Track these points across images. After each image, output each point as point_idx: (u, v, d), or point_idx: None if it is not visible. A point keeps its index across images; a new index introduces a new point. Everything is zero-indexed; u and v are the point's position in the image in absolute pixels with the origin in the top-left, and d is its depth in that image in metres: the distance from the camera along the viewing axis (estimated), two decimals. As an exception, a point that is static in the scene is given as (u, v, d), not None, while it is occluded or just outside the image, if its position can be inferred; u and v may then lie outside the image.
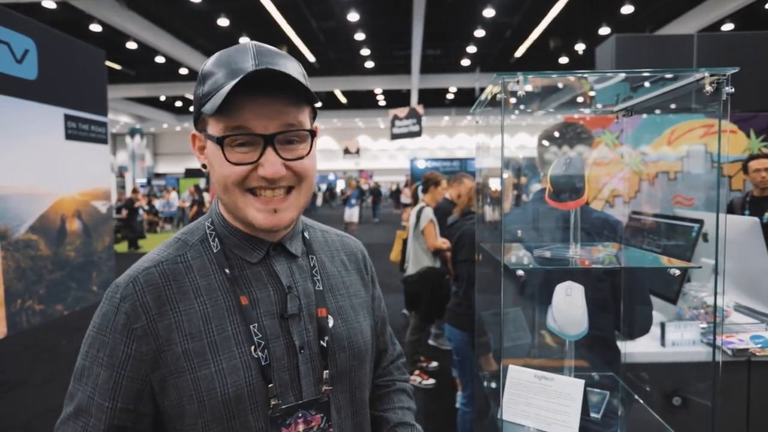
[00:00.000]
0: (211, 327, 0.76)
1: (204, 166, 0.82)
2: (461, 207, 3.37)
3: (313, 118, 0.83)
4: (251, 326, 0.77)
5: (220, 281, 0.80)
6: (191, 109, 0.85)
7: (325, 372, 0.82)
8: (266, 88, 0.72)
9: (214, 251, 0.82)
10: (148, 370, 0.74)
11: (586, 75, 1.20)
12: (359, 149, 30.32)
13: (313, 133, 0.79)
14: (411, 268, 4.23)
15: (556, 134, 1.62)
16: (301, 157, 0.77)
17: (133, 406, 0.75)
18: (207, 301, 0.78)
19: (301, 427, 0.79)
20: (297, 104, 0.75)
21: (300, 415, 0.79)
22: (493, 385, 1.46)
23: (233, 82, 0.69)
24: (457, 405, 3.45)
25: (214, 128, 0.75)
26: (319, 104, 0.83)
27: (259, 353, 0.76)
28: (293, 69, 0.77)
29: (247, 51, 0.76)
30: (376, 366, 1.03)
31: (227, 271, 0.80)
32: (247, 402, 0.75)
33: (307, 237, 0.93)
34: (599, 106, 1.56)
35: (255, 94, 0.71)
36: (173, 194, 17.81)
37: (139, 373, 0.74)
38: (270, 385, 0.76)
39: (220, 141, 0.73)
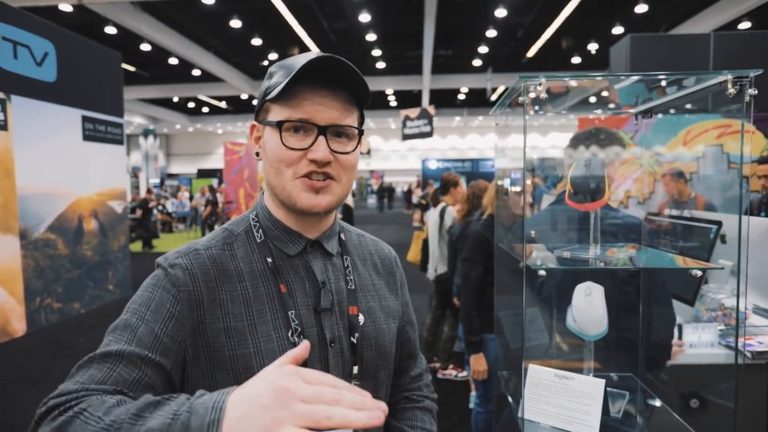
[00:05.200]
0: (252, 310, 0.81)
1: (257, 154, 0.89)
2: (462, 212, 3.39)
3: (361, 122, 0.90)
4: (289, 312, 0.82)
5: (261, 269, 0.84)
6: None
7: (355, 367, 0.86)
8: (327, 82, 0.80)
9: (258, 241, 0.87)
10: (186, 335, 0.76)
11: (611, 77, 1.20)
12: (370, 150, 30.36)
13: (361, 132, 0.86)
14: (440, 267, 4.25)
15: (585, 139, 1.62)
16: (347, 152, 0.83)
17: (168, 365, 0.74)
18: (249, 286, 0.82)
19: None
20: (350, 105, 0.84)
21: None
22: (511, 385, 1.46)
23: (300, 65, 0.76)
24: (471, 405, 3.45)
25: (276, 116, 0.82)
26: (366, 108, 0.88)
27: (296, 338, 0.80)
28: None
29: (314, 54, 0.83)
30: (404, 371, 1.06)
31: (269, 260, 0.85)
32: None
33: (343, 238, 0.97)
34: (611, 105, 1.56)
35: (317, 87, 0.80)
36: (186, 194, 17.98)
37: (178, 334, 0.75)
38: None
39: (279, 124, 0.80)
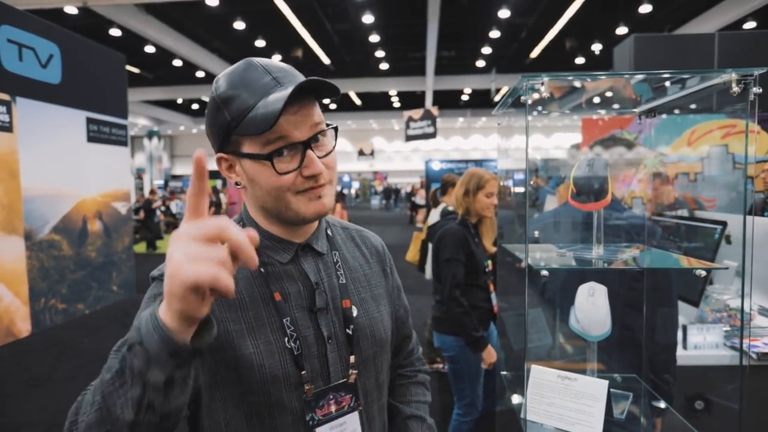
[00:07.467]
0: (249, 314, 0.83)
1: (237, 183, 0.86)
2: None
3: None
4: (284, 319, 0.84)
5: (254, 276, 0.86)
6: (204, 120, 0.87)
7: (351, 357, 0.90)
8: (296, 97, 0.76)
9: None
10: None
11: (616, 76, 1.20)
12: (374, 151, 30.37)
13: (336, 129, 0.86)
14: None
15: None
16: (330, 152, 0.84)
17: None
18: (244, 292, 0.84)
19: (333, 408, 0.88)
20: (313, 105, 0.82)
21: (331, 396, 0.87)
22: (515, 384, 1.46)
23: (283, 102, 0.72)
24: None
25: (254, 145, 0.79)
26: (328, 102, 0.85)
27: (292, 344, 0.84)
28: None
29: (257, 68, 0.81)
30: (399, 351, 1.11)
31: (261, 269, 0.87)
32: (282, 383, 0.82)
33: (330, 234, 0.99)
34: (616, 105, 1.55)
35: (287, 105, 0.75)
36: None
37: None
38: (303, 372, 0.84)
39: (269, 157, 0.78)
